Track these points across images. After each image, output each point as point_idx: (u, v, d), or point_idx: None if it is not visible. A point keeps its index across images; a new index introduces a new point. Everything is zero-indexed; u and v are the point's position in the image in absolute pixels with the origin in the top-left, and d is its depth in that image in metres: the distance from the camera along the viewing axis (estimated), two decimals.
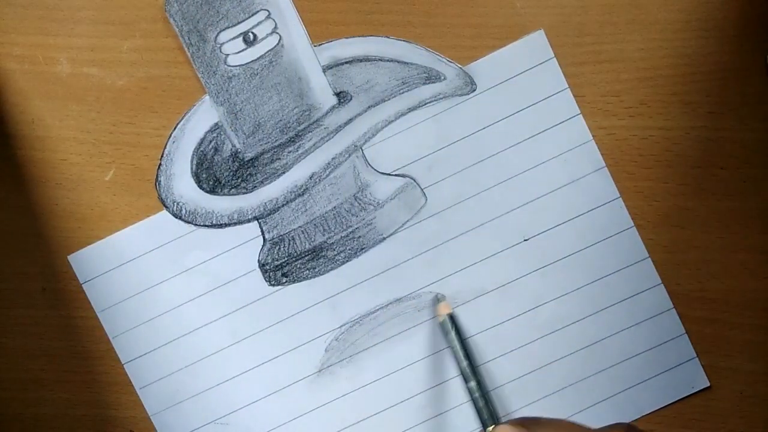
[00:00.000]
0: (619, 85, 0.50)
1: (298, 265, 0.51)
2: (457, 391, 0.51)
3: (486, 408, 0.48)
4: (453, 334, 0.49)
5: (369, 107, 0.50)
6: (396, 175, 0.51)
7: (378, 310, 0.51)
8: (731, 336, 0.50)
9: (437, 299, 0.50)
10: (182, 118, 0.51)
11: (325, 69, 0.50)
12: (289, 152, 0.51)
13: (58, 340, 0.52)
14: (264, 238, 0.51)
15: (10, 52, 0.51)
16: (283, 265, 0.51)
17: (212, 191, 0.51)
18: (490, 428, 0.47)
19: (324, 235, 0.51)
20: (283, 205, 0.51)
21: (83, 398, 0.53)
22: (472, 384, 0.48)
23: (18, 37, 0.51)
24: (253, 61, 0.50)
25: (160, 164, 0.51)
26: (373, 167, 0.51)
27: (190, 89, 0.51)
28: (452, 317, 0.50)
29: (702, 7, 0.49)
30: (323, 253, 0.51)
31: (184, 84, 0.51)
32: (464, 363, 0.49)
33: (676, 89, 0.49)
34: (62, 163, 0.52)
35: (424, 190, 0.51)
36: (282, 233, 0.51)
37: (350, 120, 0.50)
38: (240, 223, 0.51)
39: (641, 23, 0.49)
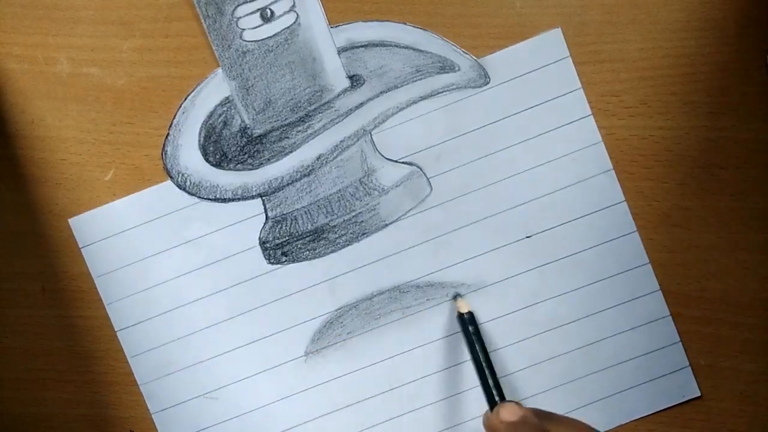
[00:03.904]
0: (619, 85, 0.50)
1: (299, 245, 0.51)
2: (448, 383, 0.51)
3: (496, 386, 0.47)
4: (471, 330, 0.49)
5: (381, 92, 0.50)
6: (403, 162, 0.51)
7: (375, 296, 0.51)
8: (731, 336, 0.50)
9: (456, 296, 0.50)
10: (193, 90, 0.51)
11: (340, 51, 0.51)
12: (298, 132, 0.51)
13: (58, 340, 0.52)
14: (266, 215, 0.51)
15: (10, 52, 0.51)
16: (284, 244, 0.51)
17: (218, 165, 0.51)
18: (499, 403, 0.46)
19: (327, 217, 0.51)
20: (288, 184, 0.51)
21: (83, 398, 0.53)
22: (482, 362, 0.48)
23: (18, 37, 0.51)
24: (268, 37, 0.50)
25: (168, 134, 0.51)
26: (380, 153, 0.51)
27: (189, 86, 0.51)
28: (472, 315, 0.50)
29: (702, 7, 0.49)
30: (324, 235, 0.51)
31: (184, 84, 0.51)
32: (482, 352, 0.48)
33: (676, 89, 0.49)
34: (62, 163, 0.52)
35: (430, 180, 0.51)
36: (285, 212, 0.51)
37: (361, 104, 0.50)
38: (244, 199, 0.51)
39: (641, 23, 0.49)
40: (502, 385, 0.49)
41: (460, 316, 0.50)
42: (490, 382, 0.47)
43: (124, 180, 0.51)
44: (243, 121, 0.51)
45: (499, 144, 0.50)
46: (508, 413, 0.41)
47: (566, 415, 0.49)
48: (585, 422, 0.43)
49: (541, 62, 0.50)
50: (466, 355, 0.50)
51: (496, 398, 0.46)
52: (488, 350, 0.49)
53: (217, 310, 0.52)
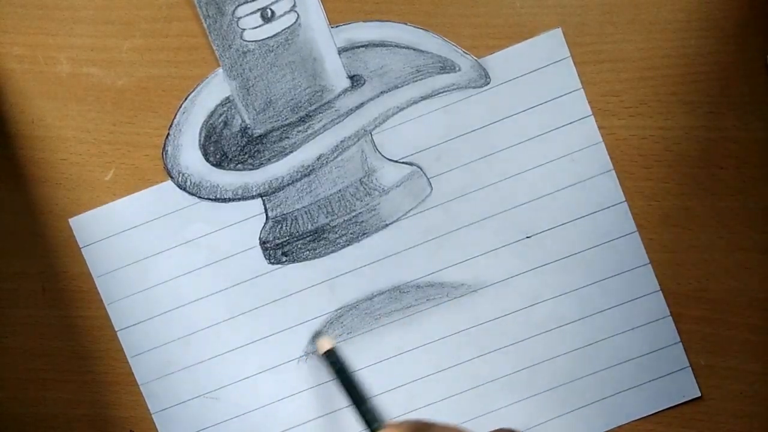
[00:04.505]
0: (619, 85, 0.50)
1: (299, 245, 0.51)
2: (448, 383, 0.51)
3: (369, 412, 0.48)
4: (337, 366, 0.50)
5: (381, 92, 0.50)
6: (403, 162, 0.51)
7: (375, 296, 0.51)
8: (731, 336, 0.50)
9: (318, 334, 0.51)
10: (194, 90, 0.51)
11: (341, 51, 0.51)
12: (299, 132, 0.51)
13: (58, 340, 0.52)
14: (267, 215, 0.51)
15: (10, 52, 0.51)
16: (284, 244, 0.51)
17: (218, 165, 0.51)
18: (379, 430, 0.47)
19: (327, 217, 0.51)
20: (288, 184, 0.51)
21: (83, 398, 0.53)
22: (355, 392, 0.49)
23: (18, 37, 0.51)
24: (269, 37, 0.50)
25: (168, 134, 0.51)
26: (381, 153, 0.51)
27: (189, 86, 0.51)
28: (334, 351, 0.50)
29: (702, 7, 0.49)
30: (325, 235, 0.51)
31: (184, 84, 0.51)
32: (347, 391, 0.49)
33: (676, 89, 0.49)
34: (62, 163, 0.52)
35: (431, 180, 0.51)
36: (285, 212, 0.51)
37: (362, 104, 0.50)
38: (244, 198, 0.51)
39: (641, 23, 0.49)
40: (499, 387, 0.49)
41: (324, 354, 0.50)
42: (366, 407, 0.48)
43: (124, 180, 0.51)
44: (243, 121, 0.51)
45: (499, 144, 0.50)
46: None
47: (565, 416, 0.50)
48: (463, 428, 0.43)
49: (541, 62, 0.50)
50: (468, 355, 0.50)
51: (376, 425, 0.47)
52: (357, 381, 0.49)
53: (218, 310, 0.52)
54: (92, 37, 0.51)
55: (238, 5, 0.50)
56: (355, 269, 0.51)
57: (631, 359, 0.50)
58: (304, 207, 0.51)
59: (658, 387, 0.50)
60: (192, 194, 0.51)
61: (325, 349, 0.50)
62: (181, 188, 0.51)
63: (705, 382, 0.50)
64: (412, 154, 0.51)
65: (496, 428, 0.43)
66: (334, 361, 0.50)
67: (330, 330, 0.51)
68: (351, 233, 0.51)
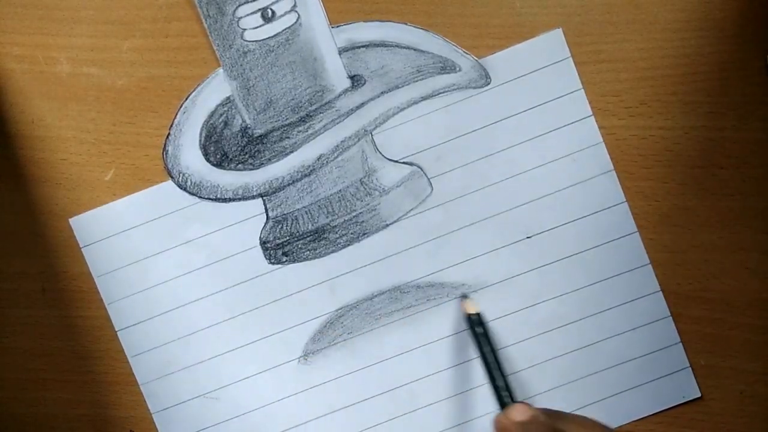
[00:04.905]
0: (619, 85, 0.50)
1: (300, 245, 0.51)
2: (450, 383, 0.51)
3: (507, 386, 0.47)
4: (480, 331, 0.49)
5: (382, 93, 0.50)
6: (404, 162, 0.51)
7: (376, 296, 0.51)
8: (731, 336, 0.50)
9: (464, 296, 0.50)
10: (194, 90, 0.51)
11: (341, 51, 0.51)
12: (299, 132, 0.51)
13: (58, 340, 0.52)
14: (267, 215, 0.51)
15: (10, 52, 0.51)
16: (285, 244, 0.51)
17: (219, 165, 0.51)
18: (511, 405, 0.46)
19: (327, 217, 0.51)
20: (288, 184, 0.51)
21: (83, 398, 0.53)
22: (493, 362, 0.48)
23: (18, 37, 0.51)
24: (269, 37, 0.50)
25: (169, 134, 0.51)
26: (381, 153, 0.51)
27: (189, 86, 0.51)
28: (479, 316, 0.49)
29: (702, 7, 0.49)
30: (325, 235, 0.51)
31: (184, 84, 0.51)
32: (490, 353, 0.48)
33: (676, 89, 0.49)
34: (62, 163, 0.52)
35: (431, 180, 0.51)
36: (285, 212, 0.51)
37: (362, 104, 0.50)
38: (244, 198, 0.51)
39: (641, 23, 0.49)
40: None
41: (468, 317, 0.50)
42: (501, 383, 0.47)
43: (124, 180, 0.51)
44: (244, 121, 0.51)
45: (499, 144, 0.50)
46: (518, 413, 0.41)
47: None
48: (595, 419, 0.43)
49: (542, 63, 0.50)
50: (468, 355, 0.50)
51: (507, 399, 0.46)
52: (497, 351, 0.49)
53: (218, 309, 0.52)
54: (92, 37, 0.51)
55: (239, 5, 0.50)
56: (356, 269, 0.51)
57: (632, 359, 0.50)
58: (304, 207, 0.51)
59: (658, 387, 0.50)
60: (192, 194, 0.51)
61: (470, 312, 0.49)
62: (181, 188, 0.51)
63: (705, 382, 0.50)
64: (412, 154, 0.51)
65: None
66: (477, 326, 0.49)
67: (330, 330, 0.51)
68: (351, 233, 0.51)
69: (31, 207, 0.52)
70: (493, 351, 0.48)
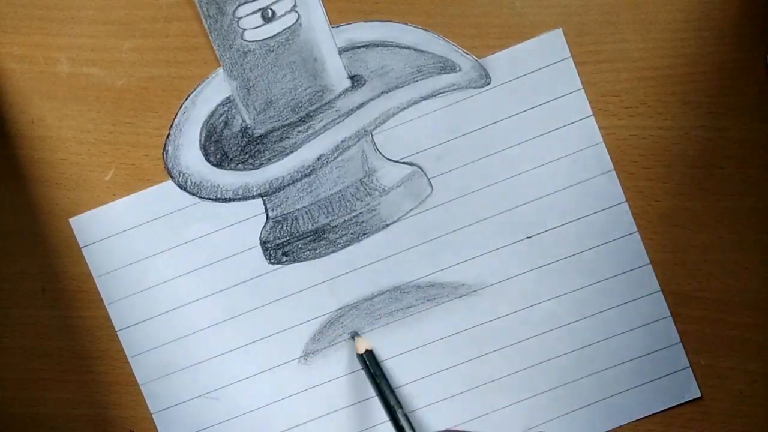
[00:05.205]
0: (619, 85, 0.50)
1: (300, 245, 0.51)
2: (448, 384, 0.51)
3: (400, 419, 0.48)
4: (371, 369, 0.50)
5: (382, 93, 0.50)
6: (404, 162, 0.51)
7: (376, 296, 0.51)
8: (731, 336, 0.50)
9: (354, 335, 0.51)
10: (194, 90, 0.51)
11: (341, 51, 0.51)
12: (299, 132, 0.51)
13: (58, 340, 0.52)
14: (267, 215, 0.51)
15: (10, 52, 0.51)
16: (285, 245, 0.51)
17: (219, 165, 0.51)
18: None
19: (327, 217, 0.51)
20: (289, 184, 0.51)
21: (83, 398, 0.53)
22: (390, 398, 0.49)
23: (18, 37, 0.51)
24: (269, 37, 0.50)
25: (169, 134, 0.51)
26: (381, 153, 0.51)
27: (189, 86, 0.51)
28: (372, 353, 0.50)
29: (702, 7, 0.49)
30: (325, 236, 0.51)
31: (184, 84, 0.51)
32: (384, 396, 0.49)
33: (676, 89, 0.49)
34: (62, 163, 0.52)
35: (431, 180, 0.51)
36: (286, 212, 0.51)
37: (362, 104, 0.50)
38: (244, 198, 0.51)
39: (641, 23, 0.49)
40: (499, 388, 0.49)
41: (360, 356, 0.50)
42: (400, 421, 0.48)
43: (124, 180, 0.51)
44: (244, 121, 0.51)
45: (500, 144, 0.50)
46: None
47: (565, 416, 0.50)
48: None
49: (542, 63, 0.50)
50: (468, 355, 0.50)
51: None
52: (393, 387, 0.50)
53: (218, 310, 0.52)
54: (92, 37, 0.51)
55: (239, 5, 0.50)
56: (356, 269, 0.51)
57: (631, 359, 0.50)
58: (304, 207, 0.51)
59: (658, 387, 0.50)
60: (192, 194, 0.51)
61: (362, 351, 0.50)
62: (181, 188, 0.51)
63: (705, 382, 0.50)
64: (412, 155, 0.51)
65: None
66: (370, 363, 0.50)
67: (330, 330, 0.51)
68: (351, 233, 0.51)
69: (31, 207, 0.52)
70: (389, 388, 0.49)
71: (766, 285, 0.50)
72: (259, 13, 0.50)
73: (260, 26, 0.50)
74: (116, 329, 0.52)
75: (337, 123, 0.50)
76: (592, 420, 0.50)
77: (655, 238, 0.50)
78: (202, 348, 0.52)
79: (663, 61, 0.49)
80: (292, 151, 0.51)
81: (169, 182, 0.51)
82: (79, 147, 0.52)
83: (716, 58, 0.49)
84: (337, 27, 0.50)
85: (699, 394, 0.50)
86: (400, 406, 0.48)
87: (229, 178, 0.51)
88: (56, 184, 0.52)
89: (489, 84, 0.50)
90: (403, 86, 0.50)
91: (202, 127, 0.51)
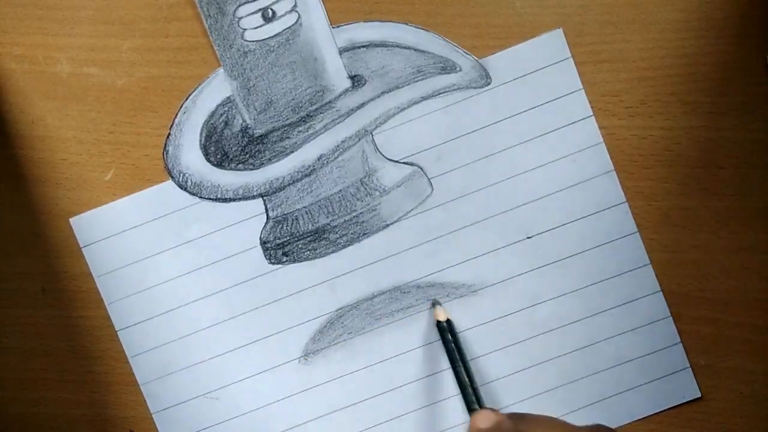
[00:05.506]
0: (619, 85, 0.50)
1: (300, 245, 0.51)
2: (448, 383, 0.51)
3: (474, 393, 0.48)
4: (449, 337, 0.49)
5: (382, 93, 0.50)
6: (404, 162, 0.51)
7: (376, 296, 0.51)
8: (731, 336, 0.50)
9: (434, 303, 0.51)
10: (194, 90, 0.51)
11: (342, 51, 0.51)
12: (299, 132, 0.51)
13: (58, 340, 0.52)
14: (267, 215, 0.51)
15: (10, 52, 0.51)
16: (285, 244, 0.51)
17: (219, 165, 0.51)
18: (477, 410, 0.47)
19: (328, 217, 0.51)
20: (289, 184, 0.51)
21: (83, 398, 0.53)
22: (461, 369, 0.48)
23: (18, 37, 0.51)
24: (270, 37, 0.50)
25: (169, 134, 0.51)
26: (381, 153, 0.51)
27: (189, 86, 0.51)
28: (449, 323, 0.50)
29: (702, 7, 0.49)
30: (325, 236, 0.51)
31: (184, 84, 0.51)
32: (458, 359, 0.49)
33: (676, 89, 0.49)
34: (62, 163, 0.52)
35: (431, 180, 0.51)
36: (286, 212, 0.51)
37: (363, 104, 0.50)
38: (245, 198, 0.51)
39: (641, 23, 0.49)
40: (500, 388, 0.49)
41: (439, 323, 0.50)
42: (469, 390, 0.48)
43: (124, 180, 0.51)
44: (244, 120, 0.51)
45: (500, 144, 0.50)
46: (481, 421, 0.42)
47: (565, 417, 0.50)
48: (562, 420, 0.43)
49: (542, 63, 0.50)
50: (468, 355, 0.50)
51: (474, 406, 0.47)
52: (467, 357, 0.49)
53: (218, 309, 0.52)
54: (92, 37, 0.51)
55: (239, 5, 0.50)
56: (356, 269, 0.51)
57: (632, 359, 0.50)
58: (304, 207, 0.51)
59: (658, 387, 0.50)
60: (193, 194, 0.51)
61: (441, 319, 0.50)
62: (181, 188, 0.51)
63: (705, 382, 0.50)
64: (412, 155, 0.51)
65: (588, 424, 0.43)
66: (447, 333, 0.49)
67: (330, 330, 0.51)
68: (352, 233, 0.51)
69: (31, 207, 0.52)
70: (463, 359, 0.49)
71: (766, 285, 0.50)
72: (260, 13, 0.50)
73: (261, 26, 0.50)
74: (116, 329, 0.52)
75: (338, 123, 0.50)
76: (592, 419, 0.50)
77: (655, 238, 0.50)
78: (203, 348, 0.52)
79: (663, 61, 0.49)
80: (292, 151, 0.51)
81: (170, 182, 0.51)
82: (79, 147, 0.52)
83: (716, 58, 0.49)
84: (338, 27, 0.50)
85: (699, 395, 0.50)
86: (473, 381, 0.48)
87: (229, 178, 0.51)
88: (56, 184, 0.52)
89: (489, 84, 0.50)
90: (403, 86, 0.50)
91: (203, 127, 0.51)
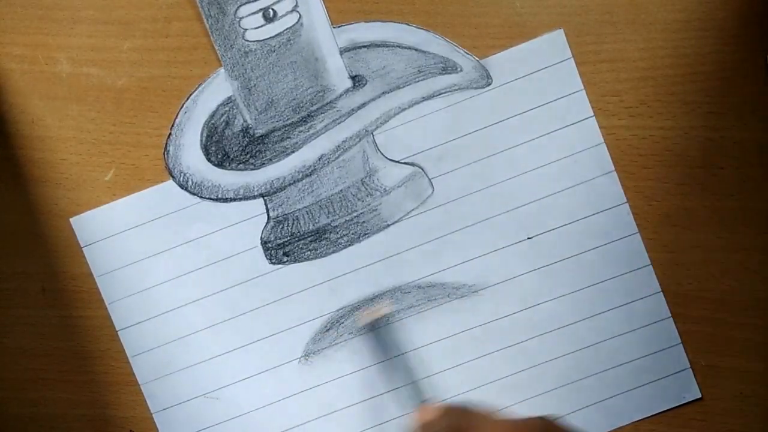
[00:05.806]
0: (619, 85, 0.50)
1: (300, 246, 0.51)
2: (448, 384, 0.51)
3: (415, 388, 0.49)
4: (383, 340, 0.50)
5: (383, 93, 0.50)
6: (405, 163, 0.51)
7: (377, 296, 0.51)
8: (731, 336, 0.50)
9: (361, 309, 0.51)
10: (195, 90, 0.51)
11: (343, 51, 0.51)
12: (300, 132, 0.51)
13: (58, 340, 0.52)
14: (268, 215, 0.51)
15: (10, 52, 0.51)
16: (286, 245, 0.51)
17: (220, 165, 0.51)
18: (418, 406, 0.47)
19: (328, 217, 0.51)
20: (290, 184, 0.51)
21: (83, 398, 0.53)
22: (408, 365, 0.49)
23: (18, 37, 0.51)
24: (271, 37, 0.50)
25: (170, 134, 0.51)
26: (382, 153, 0.51)
27: (189, 86, 0.51)
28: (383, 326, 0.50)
29: (702, 7, 0.49)
30: (326, 236, 0.51)
31: (185, 84, 0.51)
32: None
33: (676, 89, 0.49)
34: (62, 163, 0.52)
35: (432, 181, 0.51)
36: (287, 212, 0.51)
37: (363, 104, 0.50)
38: (245, 198, 0.51)
39: (641, 23, 0.49)
40: (500, 388, 0.50)
41: (370, 324, 0.50)
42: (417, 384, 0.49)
43: (124, 180, 0.51)
44: (245, 120, 0.51)
45: (501, 145, 0.50)
46: (422, 415, 0.43)
47: (565, 417, 0.50)
48: (503, 412, 0.43)
49: (543, 63, 0.50)
50: (468, 356, 0.50)
51: (415, 401, 0.48)
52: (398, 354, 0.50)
53: (218, 310, 0.52)
54: (92, 37, 0.51)
55: (240, 5, 0.50)
56: (357, 269, 0.51)
57: (632, 360, 0.50)
58: (305, 207, 0.51)
59: (658, 388, 0.50)
60: (193, 194, 0.51)
61: (370, 319, 0.50)
62: (182, 188, 0.51)
63: (705, 382, 0.50)
64: (413, 155, 0.51)
65: (530, 416, 0.43)
66: (381, 334, 0.50)
67: (331, 330, 0.51)
68: (352, 233, 0.51)
69: (31, 207, 0.52)
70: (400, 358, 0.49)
71: (766, 285, 0.50)
72: (261, 13, 0.50)
73: (261, 26, 0.50)
74: (116, 329, 0.52)
75: (339, 123, 0.50)
76: (593, 420, 0.50)
77: (655, 238, 0.50)
78: (203, 348, 0.52)
79: (663, 61, 0.49)
80: (293, 151, 0.51)
81: (170, 182, 0.51)
82: (79, 147, 0.52)
83: (716, 58, 0.49)
84: (339, 27, 0.50)
85: (699, 395, 0.50)
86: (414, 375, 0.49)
87: (230, 178, 0.51)
88: (56, 184, 0.52)
89: (490, 84, 0.50)
90: (404, 86, 0.50)
91: (203, 126, 0.51)
